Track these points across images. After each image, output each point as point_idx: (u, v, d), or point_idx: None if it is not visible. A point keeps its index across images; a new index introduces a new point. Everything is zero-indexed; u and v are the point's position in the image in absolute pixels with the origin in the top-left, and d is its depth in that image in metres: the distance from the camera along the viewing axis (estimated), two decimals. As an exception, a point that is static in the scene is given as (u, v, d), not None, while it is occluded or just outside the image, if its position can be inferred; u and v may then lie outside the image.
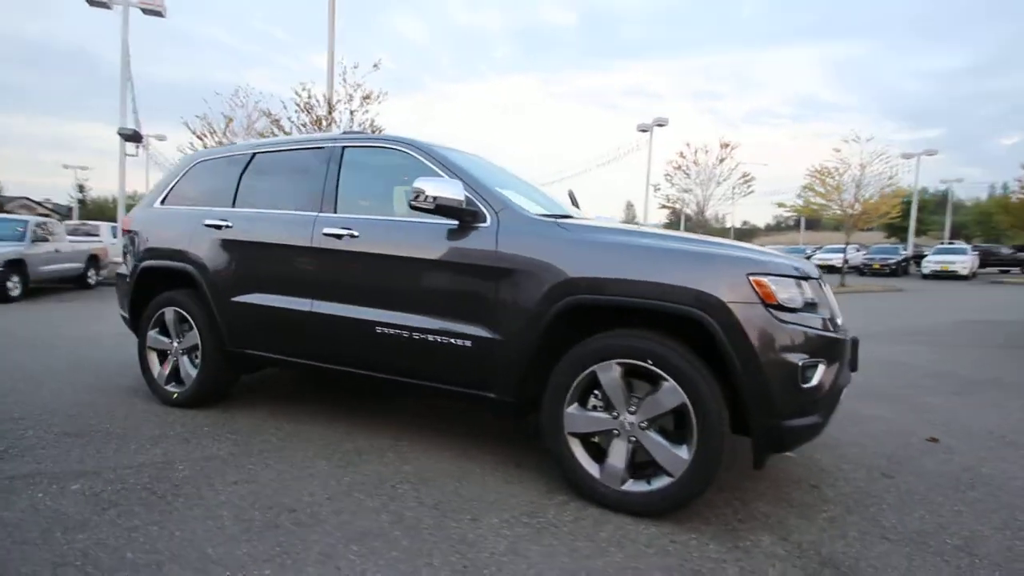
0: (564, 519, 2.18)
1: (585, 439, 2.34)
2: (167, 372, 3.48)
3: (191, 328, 3.37)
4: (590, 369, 2.26)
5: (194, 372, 3.38)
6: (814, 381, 2.12)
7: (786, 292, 2.11)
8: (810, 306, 2.19)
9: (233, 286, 3.19)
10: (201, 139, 14.44)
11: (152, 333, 3.54)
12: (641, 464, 2.24)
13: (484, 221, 2.55)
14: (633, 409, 2.22)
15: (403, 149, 2.94)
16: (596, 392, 2.32)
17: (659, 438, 2.17)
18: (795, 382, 2.06)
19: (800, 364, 2.05)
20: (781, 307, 2.09)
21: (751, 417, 2.07)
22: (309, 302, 2.94)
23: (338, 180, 3.03)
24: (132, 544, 1.91)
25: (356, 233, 2.82)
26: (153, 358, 3.57)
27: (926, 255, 24.85)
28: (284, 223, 3.08)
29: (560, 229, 2.44)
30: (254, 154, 3.43)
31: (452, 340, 2.54)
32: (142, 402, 3.52)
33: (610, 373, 2.23)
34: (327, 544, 1.95)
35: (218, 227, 3.28)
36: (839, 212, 16.76)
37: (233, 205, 3.36)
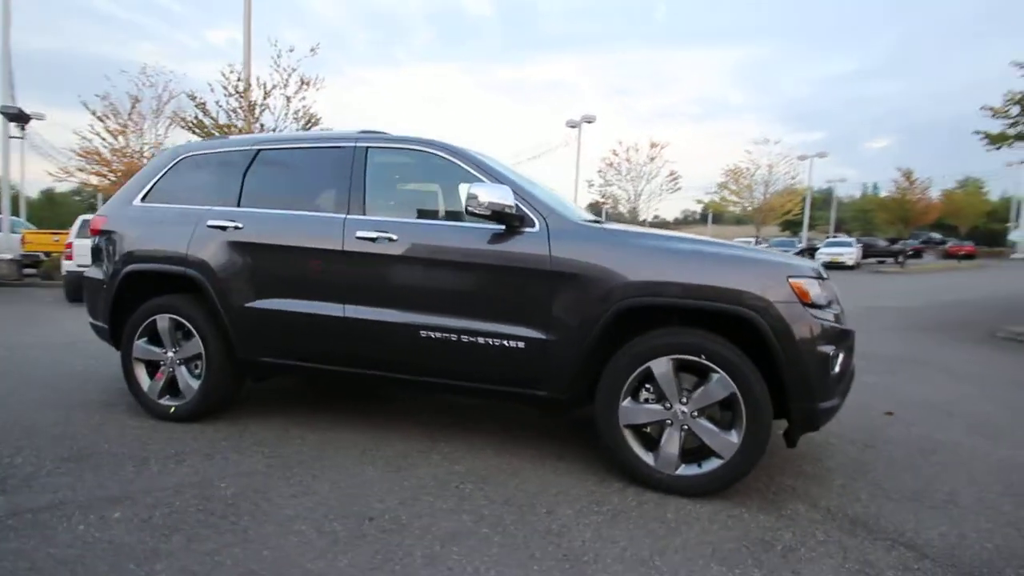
0: (629, 504, 2.35)
1: (637, 430, 2.52)
2: (160, 385, 3.23)
3: (191, 336, 3.16)
4: (645, 365, 2.45)
5: (196, 383, 3.17)
6: (837, 368, 2.45)
7: (814, 291, 2.42)
8: (829, 303, 2.52)
9: (247, 291, 3.03)
10: (103, 120, 13.04)
11: (140, 343, 3.26)
12: (691, 450, 2.47)
13: (532, 226, 2.64)
14: (684, 400, 2.43)
15: (435, 152, 2.94)
16: (648, 386, 2.51)
17: (710, 425, 2.41)
18: (827, 369, 2.37)
19: (830, 354, 2.37)
20: (813, 304, 2.39)
21: (792, 402, 2.35)
22: (340, 307, 2.88)
23: (365, 181, 2.97)
24: (223, 568, 1.83)
25: (394, 236, 2.79)
26: (141, 370, 3.29)
27: (818, 247, 27.82)
28: (308, 225, 2.97)
29: (610, 234, 2.60)
30: (258, 151, 3.26)
31: (504, 342, 2.61)
32: (128, 418, 3.24)
33: (664, 368, 2.42)
34: (425, 548, 1.98)
35: (223, 228, 3.09)
36: (750, 208, 18.39)
37: (238, 204, 3.17)
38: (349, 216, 2.92)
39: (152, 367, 3.30)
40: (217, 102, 10.10)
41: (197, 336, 3.13)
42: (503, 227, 2.67)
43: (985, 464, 2.94)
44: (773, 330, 2.31)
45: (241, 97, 9.92)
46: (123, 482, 2.44)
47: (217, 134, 10.36)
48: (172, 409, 3.20)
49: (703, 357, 2.37)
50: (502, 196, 2.54)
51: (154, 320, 3.22)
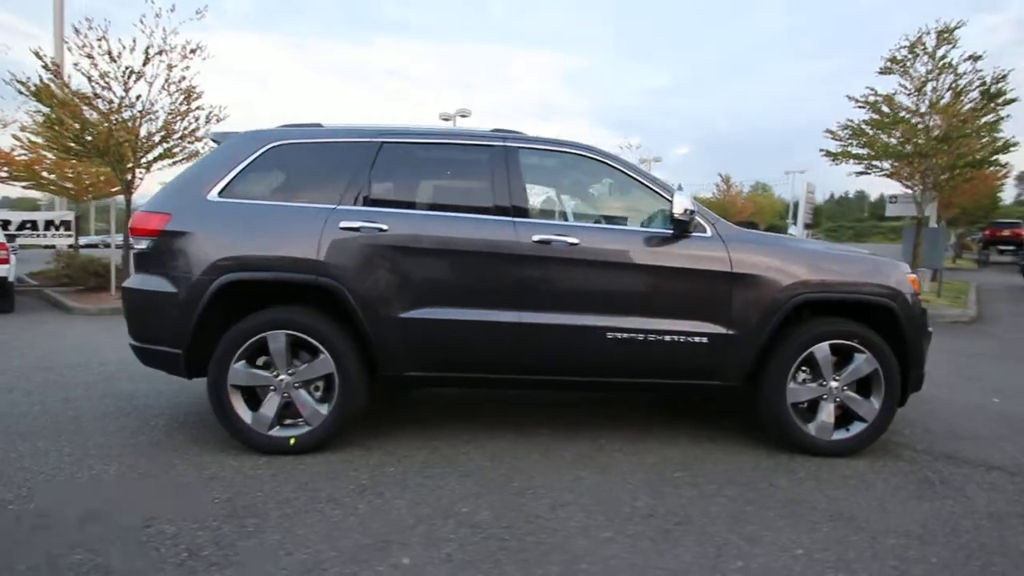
0: (809, 471, 2.75)
1: (796, 407, 2.94)
2: (273, 414, 2.76)
3: (316, 354, 2.75)
4: (809, 350, 2.87)
5: (324, 408, 2.78)
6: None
7: (918, 284, 3.08)
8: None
9: (399, 301, 2.75)
10: None
11: (238, 367, 2.74)
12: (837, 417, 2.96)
13: (704, 231, 2.88)
14: (837, 377, 2.92)
15: (590, 156, 2.99)
16: (804, 368, 2.94)
17: (857, 396, 2.93)
18: (928, 343, 3.04)
19: (931, 331, 3.05)
20: (918, 295, 3.05)
21: (911, 370, 2.97)
22: (515, 313, 2.79)
23: (523, 183, 2.90)
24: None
25: (574, 240, 2.80)
26: (238, 400, 2.77)
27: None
28: (474, 228, 2.80)
29: (775, 239, 2.97)
30: (382, 144, 2.93)
31: (689, 338, 2.82)
32: (229, 457, 2.72)
33: (825, 351, 2.87)
34: (716, 536, 2.14)
35: (357, 229, 2.75)
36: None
37: (365, 204, 2.84)
38: (519, 219, 2.83)
39: (249, 393, 2.79)
40: (77, 64, 8.04)
41: (326, 353, 2.74)
42: (672, 231, 2.87)
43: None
44: (904, 316, 2.90)
45: (113, 61, 8.02)
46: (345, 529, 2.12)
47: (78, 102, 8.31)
48: (293, 441, 2.77)
49: (856, 341, 2.87)
50: (691, 204, 2.74)
51: (263, 338, 2.73)
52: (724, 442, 3.09)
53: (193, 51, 8.85)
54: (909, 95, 9.58)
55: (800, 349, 2.86)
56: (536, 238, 2.79)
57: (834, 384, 2.91)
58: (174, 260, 2.78)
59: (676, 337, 2.82)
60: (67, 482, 2.46)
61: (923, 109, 9.51)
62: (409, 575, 1.83)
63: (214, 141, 3.17)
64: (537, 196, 3.14)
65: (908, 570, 1.93)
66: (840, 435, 2.93)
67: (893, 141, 9.84)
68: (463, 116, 22.75)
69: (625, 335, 2.81)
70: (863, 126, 9.97)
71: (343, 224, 2.75)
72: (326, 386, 2.82)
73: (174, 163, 9.68)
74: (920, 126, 9.34)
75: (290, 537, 2.03)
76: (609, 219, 3.10)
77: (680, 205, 2.70)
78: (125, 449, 2.84)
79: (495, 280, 2.80)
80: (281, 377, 2.77)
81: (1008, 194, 39.98)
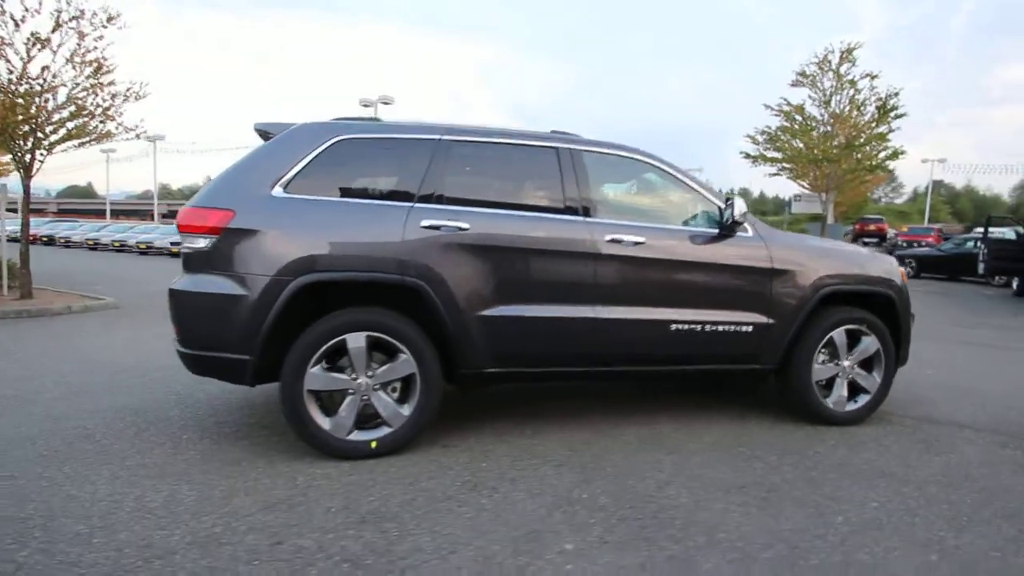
0: (837, 439, 3.18)
1: (818, 384, 3.37)
2: (352, 418, 2.68)
3: (395, 355, 2.71)
4: (829, 335, 3.31)
5: (405, 408, 2.74)
6: (910, 323, 3.73)
7: (905, 276, 3.64)
8: None
9: (480, 299, 2.78)
10: None
11: (315, 371, 2.62)
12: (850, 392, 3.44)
13: (746, 231, 3.21)
14: (849, 357, 3.38)
15: (646, 160, 3.20)
16: (824, 350, 3.38)
17: (864, 372, 3.42)
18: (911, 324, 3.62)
19: (913, 314, 3.63)
20: (906, 284, 3.60)
21: (902, 348, 3.52)
22: (592, 308, 2.93)
23: (590, 184, 3.04)
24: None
25: (642, 240, 2.99)
26: (313, 406, 2.65)
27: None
28: (551, 228, 2.89)
29: (803, 239, 3.35)
30: (451, 141, 2.91)
31: (739, 327, 3.14)
32: (307, 465, 2.62)
33: (842, 336, 3.33)
34: (805, 499, 2.46)
35: (438, 228, 2.74)
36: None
37: (440, 202, 2.82)
38: (590, 219, 2.96)
39: (323, 397, 2.69)
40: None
41: (407, 353, 2.71)
42: (718, 231, 3.17)
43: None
44: (899, 303, 3.43)
45: (17, 27, 6.80)
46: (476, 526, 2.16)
47: None
48: (374, 444, 2.71)
49: (865, 326, 3.36)
50: (745, 207, 3.05)
51: (343, 340, 2.63)
52: (754, 419, 3.46)
53: (110, 19, 7.83)
54: (817, 106, 10.97)
55: (823, 334, 3.29)
56: (608, 237, 2.95)
57: (846, 363, 3.38)
58: (242, 260, 2.58)
59: (728, 327, 3.13)
60: (140, 508, 2.23)
61: (827, 119, 10.91)
62: (580, 559, 1.93)
63: (260, 132, 2.96)
64: (616, 197, 3.30)
65: (959, 510, 2.35)
66: (851, 406, 3.40)
67: (802, 147, 11.19)
68: (385, 104, 22.11)
69: (686, 326, 3.06)
70: (779, 133, 11.24)
71: (424, 223, 2.72)
72: (403, 387, 2.78)
73: (82, 144, 8.53)
74: (826, 134, 10.73)
75: (440, 537, 2.04)
76: (660, 219, 3.33)
77: (739, 209, 3.00)
78: (177, 467, 2.61)
79: (572, 277, 2.92)
80: (360, 380, 2.69)
81: (876, 194, 46.23)
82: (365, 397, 2.70)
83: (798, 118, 10.95)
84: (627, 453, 2.87)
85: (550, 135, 3.14)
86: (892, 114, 10.50)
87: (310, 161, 2.74)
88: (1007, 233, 11.23)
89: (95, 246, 24.73)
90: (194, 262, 2.65)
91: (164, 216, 41.83)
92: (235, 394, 3.73)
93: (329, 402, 2.71)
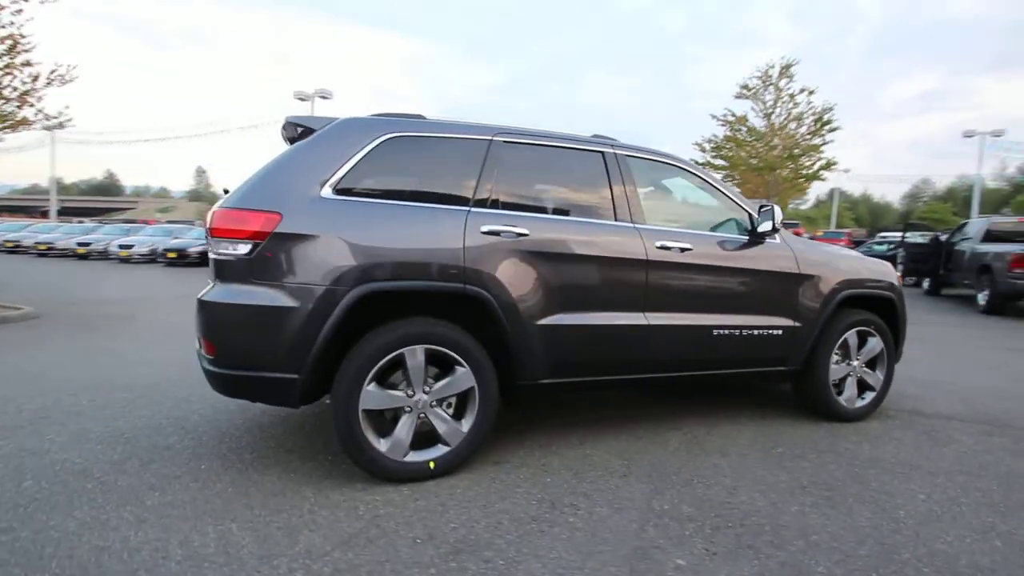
0: (856, 436, 3.38)
1: (832, 383, 3.56)
2: (409, 438, 2.50)
3: (452, 369, 2.56)
4: (844, 336, 3.50)
5: (463, 425, 2.59)
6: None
7: (902, 280, 3.93)
8: None
9: (539, 307, 2.68)
10: None
11: (371, 389, 2.42)
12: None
13: (774, 238, 3.32)
14: (859, 357, 3.60)
15: (683, 167, 3.24)
16: (838, 351, 3.57)
17: (869, 371, 3.65)
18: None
19: (906, 313, 3.93)
20: (902, 288, 3.89)
21: (900, 344, 3.79)
22: (642, 315, 2.91)
23: (637, 190, 3.02)
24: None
25: (688, 246, 3.01)
26: (367, 425, 2.44)
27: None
28: (605, 233, 2.84)
29: (820, 245, 3.51)
30: (503, 142, 2.79)
31: (771, 331, 3.25)
32: (361, 492, 2.41)
33: (855, 337, 3.53)
34: (862, 495, 2.58)
35: (497, 234, 2.61)
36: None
37: (495, 207, 2.70)
38: (642, 226, 2.94)
39: (376, 416, 2.49)
40: None
41: (466, 367, 2.56)
42: (748, 238, 3.27)
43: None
44: (899, 305, 3.70)
45: None
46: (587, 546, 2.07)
47: None
48: (432, 464, 2.54)
49: (872, 327, 3.58)
50: (782, 215, 3.17)
51: (401, 354, 2.45)
52: (773, 418, 3.59)
53: (31, -9, 6.91)
54: (760, 117, 11.76)
55: (839, 336, 3.48)
56: (658, 243, 2.95)
57: (856, 363, 3.59)
58: (291, 268, 2.32)
59: (762, 331, 3.23)
60: (193, 556, 1.94)
61: (765, 130, 11.71)
62: (700, 574, 1.89)
63: (293, 126, 2.68)
64: (658, 203, 3.30)
65: (991, 498, 2.55)
66: (860, 403, 3.62)
67: (744, 155, 11.94)
68: (324, 98, 21.17)
69: (726, 331, 3.12)
70: (723, 142, 11.93)
71: (484, 228, 2.58)
72: (458, 403, 2.63)
73: (-1, 129, 7.48)
74: (768, 144, 11.51)
75: (550, 562, 1.94)
76: (695, 225, 3.37)
77: (779, 216, 3.10)
78: (213, 503, 2.31)
79: (625, 284, 2.89)
80: (417, 396, 2.51)
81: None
82: (422, 415, 2.53)
83: (743, 128, 11.71)
84: (681, 459, 2.88)
85: (595, 139, 3.09)
86: (827, 127, 11.53)
87: (359, 160, 2.52)
88: (916, 237, 12.60)
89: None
90: (232, 270, 2.35)
91: (61, 214, 37.58)
92: (235, 414, 3.39)
93: (379, 421, 2.51)
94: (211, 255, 2.45)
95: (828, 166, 12.88)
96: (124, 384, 4.04)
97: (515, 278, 2.62)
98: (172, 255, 17.36)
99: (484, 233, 2.59)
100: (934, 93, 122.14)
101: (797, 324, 3.34)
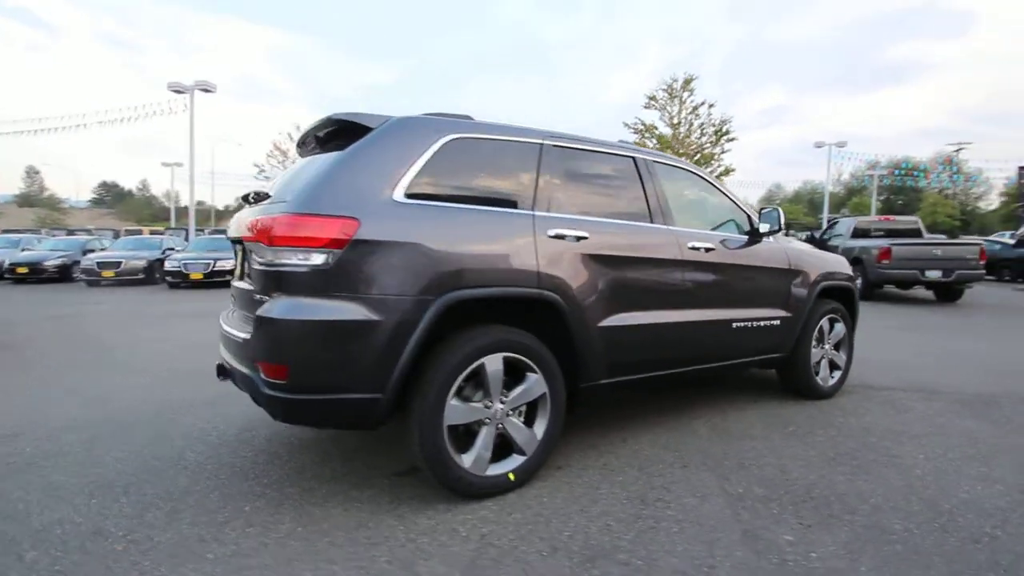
0: (841, 410, 3.83)
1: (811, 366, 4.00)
2: (489, 452, 2.41)
3: (524, 377, 2.52)
4: (820, 323, 3.96)
5: (538, 432, 2.56)
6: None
7: (848, 271, 4.51)
8: None
9: (599, 309, 2.72)
10: None
11: (454, 403, 2.31)
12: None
13: (770, 238, 3.67)
14: (830, 341, 4.08)
15: (697, 174, 3.48)
16: (817, 336, 4.01)
17: (837, 353, 4.15)
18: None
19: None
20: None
21: (853, 330, 4.36)
22: (679, 312, 3.06)
23: (665, 194, 3.18)
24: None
25: (712, 246, 3.22)
26: (450, 441, 2.32)
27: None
28: (649, 236, 2.96)
29: (799, 244, 3.93)
30: (553, 147, 2.79)
31: (772, 322, 3.58)
32: (467, 507, 2.28)
33: (826, 324, 4.00)
34: (894, 463, 2.95)
35: (563, 237, 2.62)
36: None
37: (553, 210, 2.69)
38: (674, 228, 3.09)
39: (455, 430, 2.37)
40: None
41: (539, 373, 2.54)
42: (748, 238, 3.59)
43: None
44: (855, 292, 4.26)
45: None
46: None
47: None
48: (511, 476, 2.47)
49: (839, 314, 4.09)
50: (785, 216, 3.51)
51: (482, 364, 2.36)
52: (764, 402, 3.95)
53: None
54: (667, 126, 12.78)
55: (816, 323, 3.92)
56: (689, 244, 3.12)
57: (828, 347, 4.07)
58: (373, 278, 2.13)
59: (766, 322, 3.55)
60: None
61: (673, 138, 12.78)
62: (814, 546, 2.05)
63: (342, 122, 2.45)
64: (683, 207, 3.45)
65: (964, 450, 3.03)
66: (831, 382, 4.11)
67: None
68: (206, 91, 19.29)
69: (742, 324, 3.39)
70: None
71: (551, 232, 2.57)
72: (527, 410, 2.59)
73: None
74: (676, 152, 12.55)
75: (684, 557, 1.99)
76: (706, 226, 3.60)
77: (783, 219, 3.43)
78: (293, 547, 2.05)
79: (668, 283, 3.03)
80: (494, 407, 2.43)
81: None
82: (500, 425, 2.45)
83: (653, 137, 12.69)
84: (720, 446, 3.07)
85: (623, 144, 3.20)
86: (725, 138, 12.90)
87: (427, 162, 2.38)
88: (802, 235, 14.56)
89: None
90: (302, 283, 2.10)
91: None
92: (235, 441, 3.02)
93: (454, 436, 2.39)
94: (262, 267, 2.17)
95: (726, 172, 14.43)
96: (63, 425, 3.39)
97: (579, 281, 2.64)
98: (23, 270, 14.79)
99: (551, 237, 2.57)
100: (777, 109, 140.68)
101: (788, 314, 3.72)
